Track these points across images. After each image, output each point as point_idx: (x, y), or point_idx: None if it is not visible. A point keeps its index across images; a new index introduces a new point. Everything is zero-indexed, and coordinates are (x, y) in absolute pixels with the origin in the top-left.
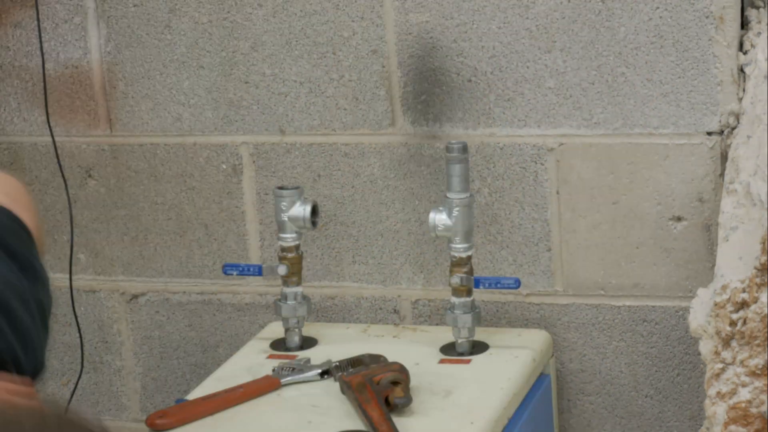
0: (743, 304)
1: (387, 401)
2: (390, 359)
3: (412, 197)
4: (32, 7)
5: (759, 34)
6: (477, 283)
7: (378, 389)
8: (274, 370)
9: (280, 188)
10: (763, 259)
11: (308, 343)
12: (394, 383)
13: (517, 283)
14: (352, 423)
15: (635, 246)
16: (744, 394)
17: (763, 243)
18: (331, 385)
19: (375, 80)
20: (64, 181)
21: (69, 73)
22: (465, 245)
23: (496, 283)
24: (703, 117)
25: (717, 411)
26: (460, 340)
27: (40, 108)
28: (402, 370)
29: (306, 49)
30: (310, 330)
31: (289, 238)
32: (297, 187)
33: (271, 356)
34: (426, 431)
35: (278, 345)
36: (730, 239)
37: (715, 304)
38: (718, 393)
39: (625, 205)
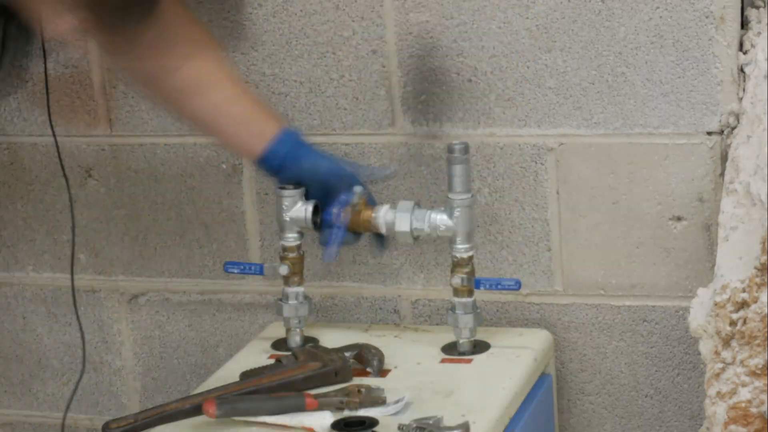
0: (743, 304)
1: None
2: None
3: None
4: None
5: (759, 34)
6: (478, 284)
7: None
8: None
9: (282, 188)
10: (763, 259)
11: (310, 343)
12: None
13: (518, 285)
14: None
15: (635, 246)
16: (744, 394)
17: (763, 243)
18: None
19: (375, 80)
20: (66, 181)
21: (69, 73)
22: (466, 246)
23: (496, 285)
24: (703, 117)
25: (717, 411)
26: (461, 340)
27: (40, 107)
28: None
29: (306, 49)
30: (311, 330)
31: (290, 238)
32: (299, 188)
33: (272, 356)
34: None
35: (279, 345)
36: (730, 239)
37: (715, 304)
38: (718, 393)
39: (625, 205)
